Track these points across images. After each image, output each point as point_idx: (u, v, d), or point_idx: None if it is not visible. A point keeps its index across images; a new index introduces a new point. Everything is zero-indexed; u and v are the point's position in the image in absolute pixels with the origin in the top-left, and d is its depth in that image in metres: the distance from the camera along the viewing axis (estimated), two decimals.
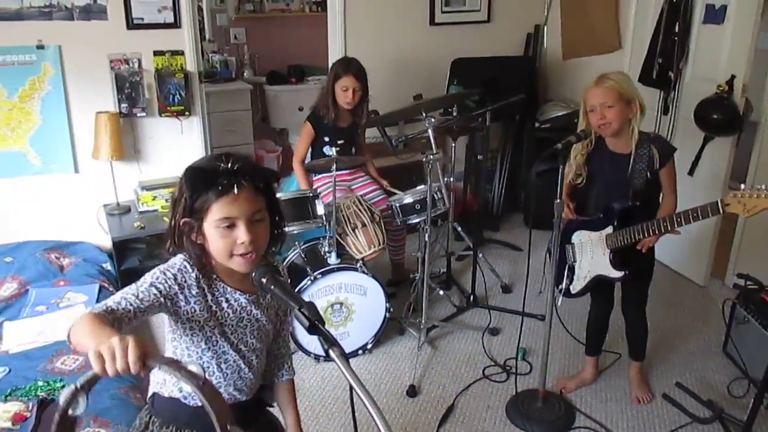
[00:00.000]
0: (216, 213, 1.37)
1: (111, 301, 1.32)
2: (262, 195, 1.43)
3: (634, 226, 2.50)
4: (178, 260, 1.45)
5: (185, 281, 1.43)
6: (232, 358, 1.53)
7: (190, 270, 1.43)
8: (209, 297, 1.47)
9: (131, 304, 1.31)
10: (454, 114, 4.02)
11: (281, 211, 1.52)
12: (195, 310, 1.45)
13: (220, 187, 1.35)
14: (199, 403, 1.47)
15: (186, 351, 1.50)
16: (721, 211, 2.18)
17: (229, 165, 1.37)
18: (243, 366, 1.56)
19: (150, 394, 1.60)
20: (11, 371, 2.62)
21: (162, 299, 1.39)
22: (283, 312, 1.66)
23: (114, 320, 1.24)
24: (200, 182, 1.37)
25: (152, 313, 1.37)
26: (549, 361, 2.82)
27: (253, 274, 1.36)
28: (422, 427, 2.78)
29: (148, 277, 1.41)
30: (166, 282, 1.40)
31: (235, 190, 1.36)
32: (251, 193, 1.39)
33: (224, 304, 1.49)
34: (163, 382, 1.55)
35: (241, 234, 1.38)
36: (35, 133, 3.59)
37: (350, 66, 3.44)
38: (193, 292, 1.44)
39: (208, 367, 1.51)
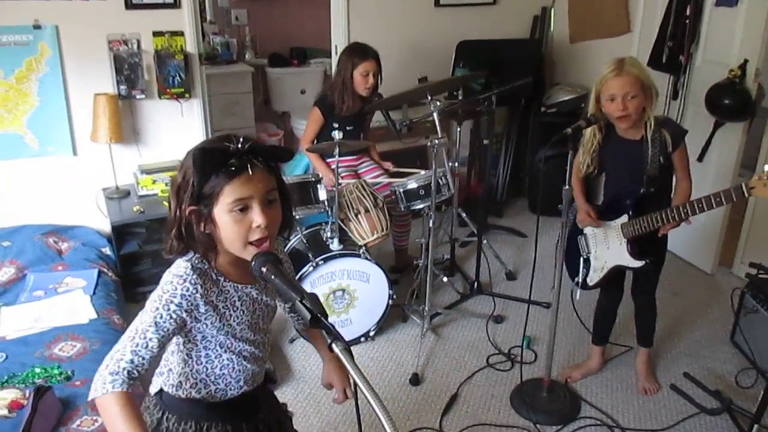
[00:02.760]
0: (229, 195, 1.30)
1: (126, 363, 1.30)
2: (274, 174, 1.37)
3: (652, 214, 2.44)
4: (177, 282, 1.35)
5: (191, 304, 1.36)
6: (250, 351, 1.50)
7: (193, 290, 1.35)
8: (220, 306, 1.41)
9: (144, 358, 1.32)
10: (460, 97, 3.95)
11: (289, 193, 1.46)
12: (207, 326, 1.40)
13: (233, 168, 1.28)
14: (217, 399, 1.48)
15: (203, 362, 1.46)
16: (746, 194, 2.12)
17: (240, 145, 1.29)
18: (259, 354, 1.53)
19: (156, 390, 1.55)
20: (8, 357, 2.57)
21: (171, 334, 1.36)
22: None
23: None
24: (210, 164, 1.29)
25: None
26: (554, 349, 2.77)
27: (252, 263, 1.30)
28: (425, 416, 2.74)
29: (151, 317, 1.33)
30: (171, 317, 1.33)
31: (250, 170, 1.29)
32: (265, 173, 1.33)
33: (237, 303, 1.44)
34: (178, 385, 1.49)
35: (256, 216, 1.32)
36: (33, 114, 3.52)
37: (368, 51, 3.41)
38: (202, 311, 1.38)
39: (229, 364, 1.48)
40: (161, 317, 1.32)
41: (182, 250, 1.38)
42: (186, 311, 1.35)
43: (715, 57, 3.66)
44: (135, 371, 1.31)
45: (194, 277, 1.35)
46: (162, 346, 1.35)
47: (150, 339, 1.31)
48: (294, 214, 1.53)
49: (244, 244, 1.34)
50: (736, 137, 3.60)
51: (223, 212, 1.31)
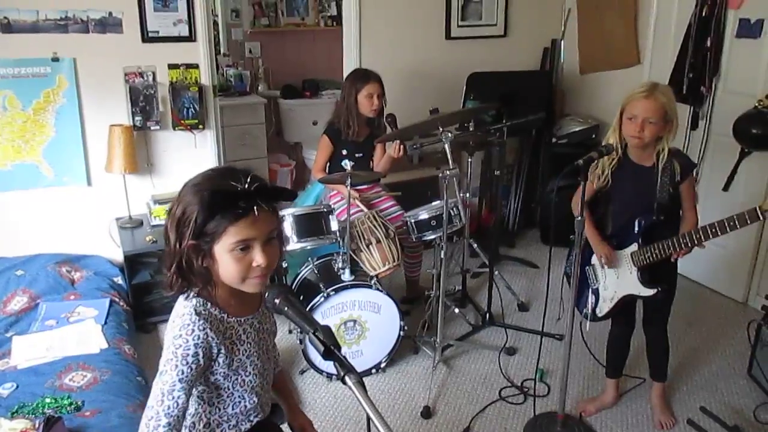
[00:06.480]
0: (232, 236, 1.30)
1: (163, 428, 1.31)
2: (276, 214, 1.38)
3: (664, 241, 2.43)
4: (186, 334, 1.34)
5: (206, 349, 1.35)
6: (258, 382, 1.49)
7: (203, 336, 1.35)
8: (227, 343, 1.41)
9: (178, 417, 1.33)
10: (471, 129, 3.96)
11: (283, 231, 1.48)
12: (219, 363, 1.40)
13: (240, 210, 1.29)
14: None
15: (215, 402, 1.45)
16: (760, 217, 2.11)
17: (247, 185, 1.30)
18: (265, 384, 1.53)
19: None
20: (19, 387, 2.57)
21: (196, 382, 1.37)
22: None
23: None
24: (217, 205, 1.29)
25: None
26: (568, 382, 2.73)
27: (266, 295, 1.31)
28: None
29: (173, 376, 1.32)
30: (191, 369, 1.33)
31: (256, 212, 1.29)
32: (269, 214, 1.34)
33: (243, 337, 1.44)
34: (191, 426, 1.47)
35: (258, 257, 1.32)
36: (49, 145, 3.57)
37: (369, 74, 3.48)
38: (215, 351, 1.38)
39: (240, 402, 1.47)
40: (182, 373, 1.32)
41: (182, 286, 1.38)
42: (203, 357, 1.35)
43: (737, 87, 3.66)
44: (174, 430, 1.33)
45: (201, 322, 1.35)
46: (189, 396, 1.35)
47: (179, 397, 1.32)
48: (284, 249, 1.52)
49: (242, 280, 1.35)
50: (763, 166, 3.57)
51: (224, 250, 1.32)
